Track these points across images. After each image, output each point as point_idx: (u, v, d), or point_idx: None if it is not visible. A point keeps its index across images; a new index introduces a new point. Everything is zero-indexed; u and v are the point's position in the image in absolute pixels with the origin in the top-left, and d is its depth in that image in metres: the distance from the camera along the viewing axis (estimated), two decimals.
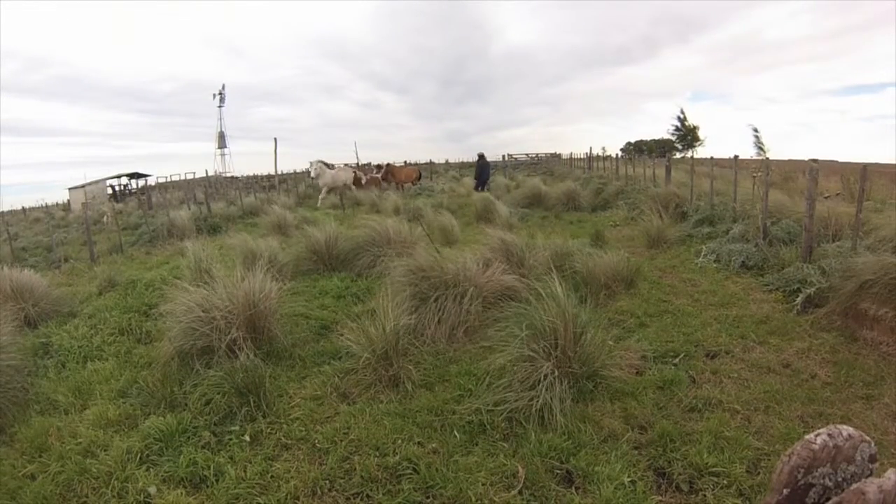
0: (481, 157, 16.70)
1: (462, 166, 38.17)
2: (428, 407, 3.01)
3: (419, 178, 19.62)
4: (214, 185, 28.86)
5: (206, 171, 34.93)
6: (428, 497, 2.32)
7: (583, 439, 2.62)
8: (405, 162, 32.60)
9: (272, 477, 2.48)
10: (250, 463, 2.57)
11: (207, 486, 2.43)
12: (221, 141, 45.26)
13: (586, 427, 2.72)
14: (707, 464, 2.39)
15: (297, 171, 34.06)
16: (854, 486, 0.97)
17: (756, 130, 29.73)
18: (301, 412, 3.04)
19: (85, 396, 3.41)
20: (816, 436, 1.06)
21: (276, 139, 23.85)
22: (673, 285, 5.30)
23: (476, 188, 16.29)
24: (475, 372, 3.34)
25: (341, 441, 2.72)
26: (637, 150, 40.11)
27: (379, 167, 18.88)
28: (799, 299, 4.33)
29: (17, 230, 17.12)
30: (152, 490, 2.38)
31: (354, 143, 47.83)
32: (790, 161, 14.22)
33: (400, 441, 2.68)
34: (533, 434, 2.64)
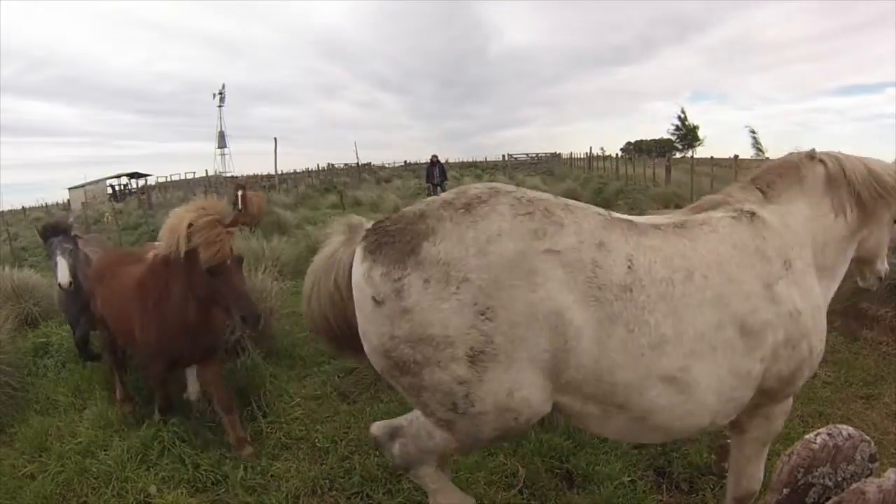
0: (433, 158, 16.56)
1: (462, 166, 38.14)
2: None
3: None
4: (214, 185, 28.83)
5: (206, 171, 34.93)
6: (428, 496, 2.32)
7: (583, 439, 2.61)
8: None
9: (272, 476, 2.48)
10: (250, 463, 2.57)
11: (207, 486, 2.43)
12: (221, 141, 45.21)
13: None
14: (707, 463, 2.39)
15: (297, 170, 34.10)
16: (854, 485, 0.97)
17: (753, 132, 29.60)
18: (301, 412, 3.04)
19: (85, 396, 3.41)
20: (816, 436, 1.06)
21: (276, 139, 23.69)
22: None
23: (427, 190, 16.10)
24: None
25: (341, 440, 2.71)
26: (637, 150, 40.12)
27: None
28: None
29: (17, 230, 17.06)
30: (152, 490, 2.38)
31: (354, 143, 47.73)
32: None
33: None
34: (533, 433, 2.64)
